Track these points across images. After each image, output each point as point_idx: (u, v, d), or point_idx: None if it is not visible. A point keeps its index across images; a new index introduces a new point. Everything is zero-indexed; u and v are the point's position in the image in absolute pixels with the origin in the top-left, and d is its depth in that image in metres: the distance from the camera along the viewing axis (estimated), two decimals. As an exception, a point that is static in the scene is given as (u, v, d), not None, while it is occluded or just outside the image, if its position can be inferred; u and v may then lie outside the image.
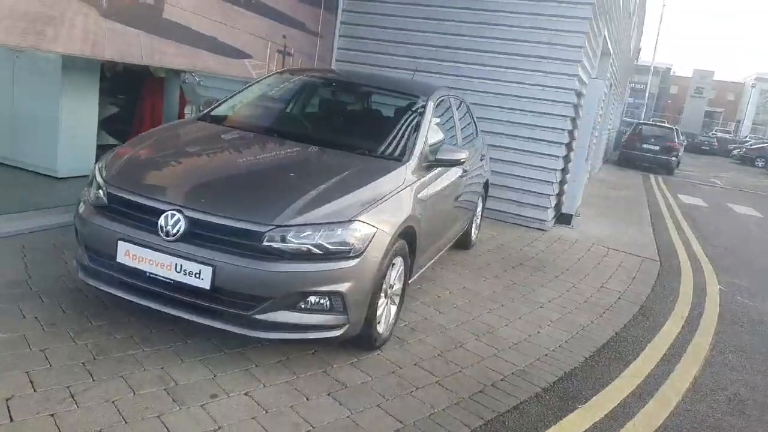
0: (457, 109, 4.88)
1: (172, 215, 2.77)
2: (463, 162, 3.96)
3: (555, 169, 7.23)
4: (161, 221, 2.77)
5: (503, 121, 7.27)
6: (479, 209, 5.88)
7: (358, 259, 2.86)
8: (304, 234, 2.76)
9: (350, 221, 2.87)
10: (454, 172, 4.35)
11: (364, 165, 3.45)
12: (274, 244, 2.73)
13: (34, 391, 2.46)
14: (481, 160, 5.41)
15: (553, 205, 7.47)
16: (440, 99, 4.35)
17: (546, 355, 3.69)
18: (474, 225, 5.81)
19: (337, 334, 2.90)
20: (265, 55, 6.57)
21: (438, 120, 4.25)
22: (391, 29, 7.68)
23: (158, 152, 3.39)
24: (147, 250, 2.79)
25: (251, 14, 6.30)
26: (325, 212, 2.85)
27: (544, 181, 7.28)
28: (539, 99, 7.13)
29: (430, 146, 3.84)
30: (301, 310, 2.80)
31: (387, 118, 4.22)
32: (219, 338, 3.09)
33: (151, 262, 2.79)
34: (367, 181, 3.20)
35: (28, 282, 3.45)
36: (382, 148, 3.75)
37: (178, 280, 2.75)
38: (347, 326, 2.91)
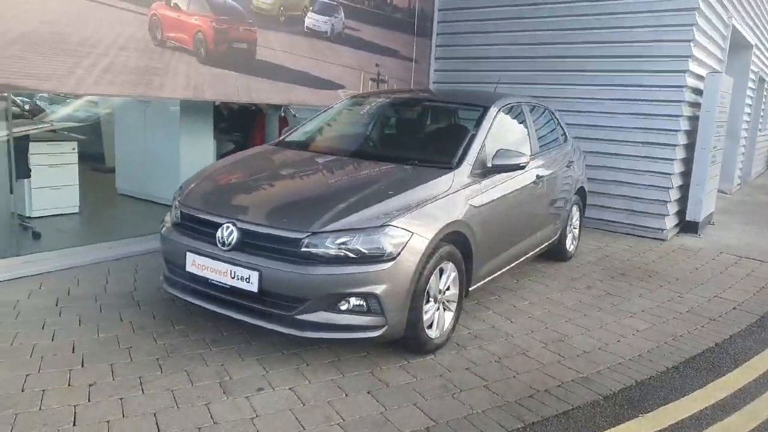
0: (532, 117, 4.78)
1: (227, 227, 3.10)
2: (523, 167, 3.90)
3: (669, 174, 6.69)
4: (219, 233, 3.11)
5: (608, 126, 6.93)
6: (575, 218, 5.64)
7: (392, 263, 2.95)
8: (339, 239, 2.93)
9: (383, 226, 2.98)
10: (525, 179, 4.27)
11: (409, 174, 3.55)
12: (312, 250, 2.93)
13: (113, 379, 2.86)
14: (568, 166, 5.21)
15: (671, 213, 6.89)
16: (504, 107, 4.32)
17: (619, 363, 3.45)
18: (570, 235, 5.58)
19: (375, 335, 3.00)
20: (358, 84, 6.95)
21: (502, 128, 4.22)
22: (483, 46, 7.72)
23: (223, 174, 3.79)
24: (208, 259, 3.13)
25: (342, 48, 6.73)
26: (359, 218, 3.00)
27: (659, 186, 6.77)
28: (645, 100, 6.70)
29: (489, 153, 3.84)
30: (339, 312, 2.95)
31: (445, 129, 4.30)
32: (279, 341, 3.34)
33: (211, 270, 3.12)
34: (406, 188, 3.30)
35: (133, 294, 4.00)
36: (433, 157, 3.83)
37: (232, 285, 3.05)
38: (386, 327, 3.00)
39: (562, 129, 5.51)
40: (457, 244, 3.45)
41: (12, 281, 4.06)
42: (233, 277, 3.04)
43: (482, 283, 3.92)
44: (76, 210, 5.93)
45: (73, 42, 4.25)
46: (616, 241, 6.55)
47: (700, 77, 6.94)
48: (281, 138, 4.47)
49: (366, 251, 2.94)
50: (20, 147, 4.94)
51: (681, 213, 7.25)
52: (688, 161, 7.09)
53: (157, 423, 2.52)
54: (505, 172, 3.88)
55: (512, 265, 4.39)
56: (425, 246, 3.08)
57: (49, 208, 5.74)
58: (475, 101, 4.31)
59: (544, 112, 5.25)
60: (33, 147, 5.47)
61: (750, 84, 11.29)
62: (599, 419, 2.81)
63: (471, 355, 3.43)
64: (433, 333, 3.35)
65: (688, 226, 7.24)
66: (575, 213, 5.62)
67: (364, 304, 2.96)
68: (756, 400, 3.12)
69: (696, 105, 6.98)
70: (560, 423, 2.76)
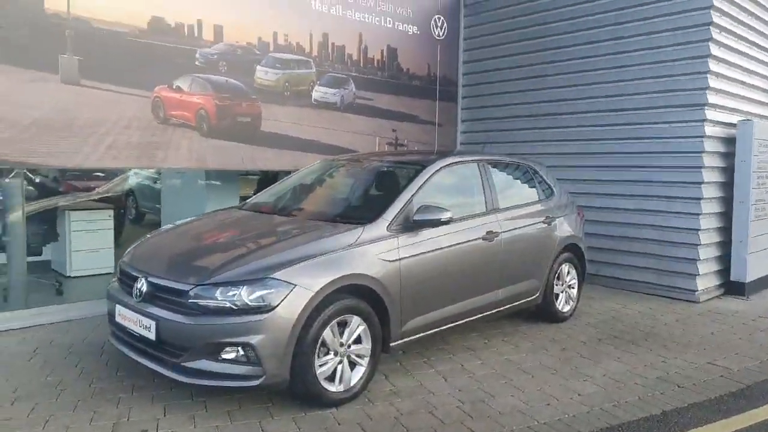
0: (495, 174, 4.77)
1: (140, 281, 3.45)
2: (446, 222, 3.93)
3: (697, 230, 6.21)
4: (134, 286, 3.47)
5: (629, 181, 6.64)
6: (568, 277, 5.41)
7: (269, 314, 3.11)
8: (221, 291, 3.16)
9: (263, 279, 3.17)
10: (469, 234, 4.26)
11: (318, 229, 3.73)
12: (199, 301, 3.17)
13: (27, 416, 3.23)
14: (547, 222, 5.07)
15: (705, 272, 6.33)
16: (447, 166, 4.38)
17: (528, 427, 3.26)
18: (563, 295, 5.35)
19: (254, 384, 3.13)
20: (373, 149, 7.26)
21: (443, 186, 4.30)
22: (509, 106, 7.77)
23: (159, 234, 4.17)
24: (126, 310, 3.49)
25: (355, 116, 7.13)
26: (243, 271, 3.22)
27: (686, 244, 6.29)
28: (665, 152, 6.37)
29: (417, 209, 3.91)
30: (221, 361, 3.13)
31: (379, 188, 4.40)
32: (196, 388, 3.54)
33: (128, 320, 3.47)
34: (305, 242, 3.48)
35: (104, 344, 4.42)
36: (353, 213, 3.99)
37: (140, 333, 3.36)
38: (264, 377, 3.12)
39: (548, 185, 5.40)
40: (365, 298, 3.53)
41: (17, 330, 4.68)
42: (140, 326, 3.35)
43: (411, 339, 3.90)
44: (111, 270, 6.66)
45: (79, 124, 4.99)
46: (637, 303, 6.12)
47: (730, 125, 6.49)
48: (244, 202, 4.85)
49: (245, 302, 3.13)
50: (48, 216, 5.76)
51: (725, 273, 6.64)
52: (727, 216, 6.55)
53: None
54: (429, 227, 3.92)
55: (464, 321, 4.31)
56: (309, 298, 3.21)
57: (87, 268, 6.50)
58: (417, 161, 4.42)
59: (517, 169, 5.22)
60: (73, 215, 6.34)
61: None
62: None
63: (374, 411, 3.42)
64: (332, 386, 3.41)
65: (733, 288, 6.59)
66: (566, 271, 5.38)
67: (243, 353, 3.12)
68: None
69: (730, 155, 6.50)
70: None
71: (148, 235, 4.22)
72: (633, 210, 6.62)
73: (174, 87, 5.59)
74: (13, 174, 4.86)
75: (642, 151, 6.52)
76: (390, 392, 3.69)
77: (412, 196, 4.00)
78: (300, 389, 3.30)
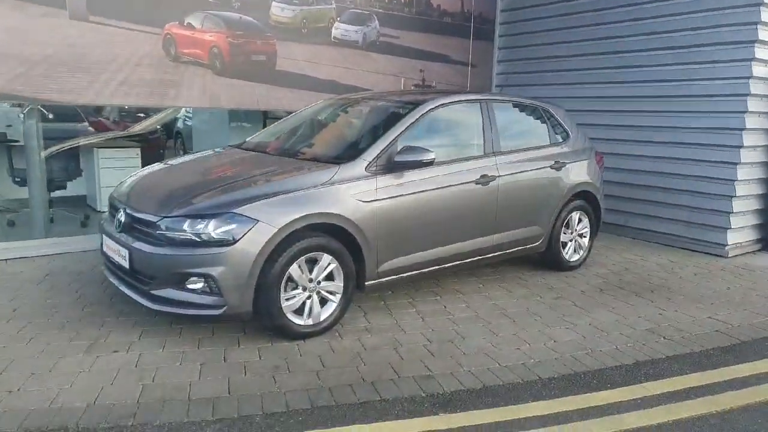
0: (497, 116, 4.55)
1: (120, 212, 3.58)
2: (428, 163, 3.82)
3: (732, 180, 5.78)
4: (116, 217, 3.61)
5: (665, 127, 6.22)
6: (578, 225, 5.19)
7: (230, 247, 3.17)
8: (187, 223, 3.23)
9: (225, 213, 3.21)
10: (461, 177, 4.14)
11: (292, 167, 3.72)
12: (167, 233, 3.26)
13: (17, 332, 3.49)
14: (556, 168, 4.84)
15: (738, 226, 5.92)
16: (440, 107, 4.20)
17: (479, 369, 3.22)
18: (572, 243, 5.16)
19: (216, 313, 3.22)
20: (397, 89, 7.09)
21: (434, 127, 4.17)
22: (547, 45, 7.35)
23: (152, 170, 4.24)
24: (109, 240, 3.64)
25: (378, 55, 6.95)
26: (208, 205, 3.27)
27: (720, 195, 5.88)
28: (701, 96, 5.90)
29: (399, 150, 3.83)
30: (185, 290, 3.24)
31: (367, 127, 4.28)
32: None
33: (110, 249, 3.62)
34: (274, 180, 3.50)
35: (108, 271, 4.67)
36: (334, 152, 3.95)
37: (118, 262, 3.52)
38: (226, 307, 3.21)
39: (563, 128, 5.13)
40: (337, 237, 3.54)
41: (35, 257, 5.01)
42: (118, 256, 3.50)
43: (390, 279, 3.88)
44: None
45: (89, 61, 5.13)
46: (659, 255, 5.84)
47: (778, 66, 5.90)
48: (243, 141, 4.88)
49: (209, 235, 3.19)
50: (71, 153, 6.05)
51: (762, 227, 6.20)
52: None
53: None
54: (411, 168, 3.83)
55: (453, 264, 4.24)
56: (272, 234, 3.24)
57: (116, 202, 6.81)
58: (410, 101, 4.27)
59: (527, 112, 4.97)
60: (101, 152, 6.63)
61: None
62: (356, 415, 2.72)
63: (339, 344, 3.47)
64: (301, 320, 3.47)
65: (771, 243, 6.16)
66: (577, 219, 5.16)
67: (206, 284, 3.22)
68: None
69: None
70: (330, 412, 2.74)
71: (140, 171, 4.34)
72: (666, 158, 6.22)
73: (185, 24, 5.61)
74: (27, 108, 5.08)
75: (682, 94, 6.05)
76: (363, 329, 3.73)
77: (397, 136, 3.90)
78: (266, 321, 3.38)
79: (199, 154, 4.60)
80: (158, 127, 8.96)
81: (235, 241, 3.18)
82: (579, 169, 5.10)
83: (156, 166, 4.35)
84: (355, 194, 3.60)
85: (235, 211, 3.23)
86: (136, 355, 3.24)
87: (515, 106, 4.90)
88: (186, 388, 2.90)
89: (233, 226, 3.20)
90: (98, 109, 7.88)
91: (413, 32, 7.23)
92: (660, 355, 3.50)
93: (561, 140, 5.08)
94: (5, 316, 3.73)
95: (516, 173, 4.55)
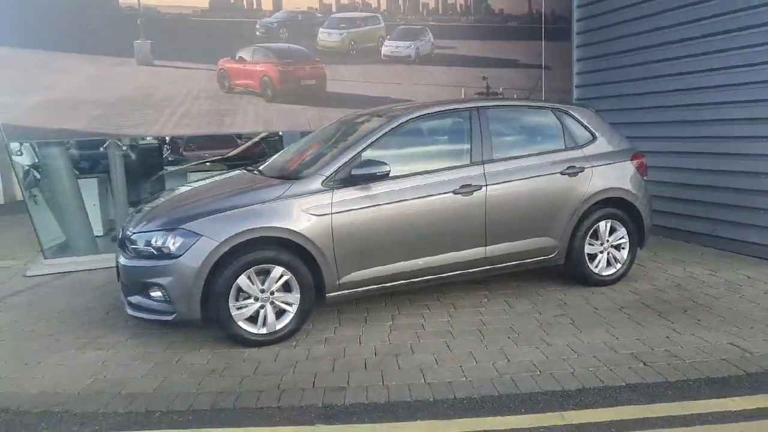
0: (492, 123, 4.34)
1: (121, 230, 4.16)
2: (382, 176, 3.82)
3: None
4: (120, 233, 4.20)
5: (711, 120, 5.40)
6: (613, 237, 4.68)
7: (176, 260, 3.51)
8: (144, 238, 3.66)
9: (171, 229, 3.57)
10: (433, 188, 4.05)
11: (253, 185, 3.98)
12: (135, 246, 3.72)
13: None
14: (569, 174, 4.45)
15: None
16: (409, 120, 4.14)
17: (404, 383, 3.13)
18: (603, 255, 4.68)
19: (167, 319, 3.59)
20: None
21: (409, 140, 4.19)
22: (628, 37, 6.71)
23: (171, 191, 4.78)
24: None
25: (433, 68, 6.96)
26: (160, 222, 3.67)
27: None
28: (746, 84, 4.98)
29: (357, 164, 3.89)
30: (147, 297, 3.66)
31: (339, 143, 4.33)
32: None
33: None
34: (228, 196, 3.79)
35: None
36: (301, 169, 4.10)
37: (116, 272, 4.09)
38: (175, 314, 3.56)
39: (587, 131, 4.69)
40: (291, 250, 3.71)
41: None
42: (116, 267, 4.07)
43: (355, 291, 3.92)
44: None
45: (155, 99, 5.95)
46: (737, 270, 5.00)
47: None
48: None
49: (160, 248, 3.58)
50: (157, 178, 7.02)
51: None
52: None
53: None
54: (367, 182, 3.86)
55: (432, 277, 4.14)
56: (213, 248, 3.52)
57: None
58: (386, 115, 4.28)
59: (534, 116, 4.69)
60: (191, 177, 7.54)
61: None
62: (241, 419, 2.82)
63: (286, 353, 3.61)
64: (254, 328, 3.69)
65: None
66: (607, 229, 4.66)
67: (161, 293, 3.60)
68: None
69: None
70: (220, 414, 2.89)
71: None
72: (721, 154, 5.35)
73: (237, 58, 6.22)
74: (107, 144, 6.04)
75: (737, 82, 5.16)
76: (323, 339, 3.83)
77: (360, 151, 3.96)
78: (218, 329, 3.67)
79: (216, 179, 5.07)
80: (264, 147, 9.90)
81: (180, 255, 3.53)
82: (606, 173, 4.61)
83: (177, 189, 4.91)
84: (307, 208, 3.74)
85: (182, 227, 3.57)
86: (111, 353, 3.72)
87: (519, 111, 4.63)
88: (123, 384, 3.27)
89: (180, 240, 3.54)
90: (191, 139, 8.95)
91: (472, 40, 7.11)
92: (619, 382, 3.08)
93: (582, 143, 4.65)
94: (50, 316, 4.50)
95: (511, 181, 4.29)
